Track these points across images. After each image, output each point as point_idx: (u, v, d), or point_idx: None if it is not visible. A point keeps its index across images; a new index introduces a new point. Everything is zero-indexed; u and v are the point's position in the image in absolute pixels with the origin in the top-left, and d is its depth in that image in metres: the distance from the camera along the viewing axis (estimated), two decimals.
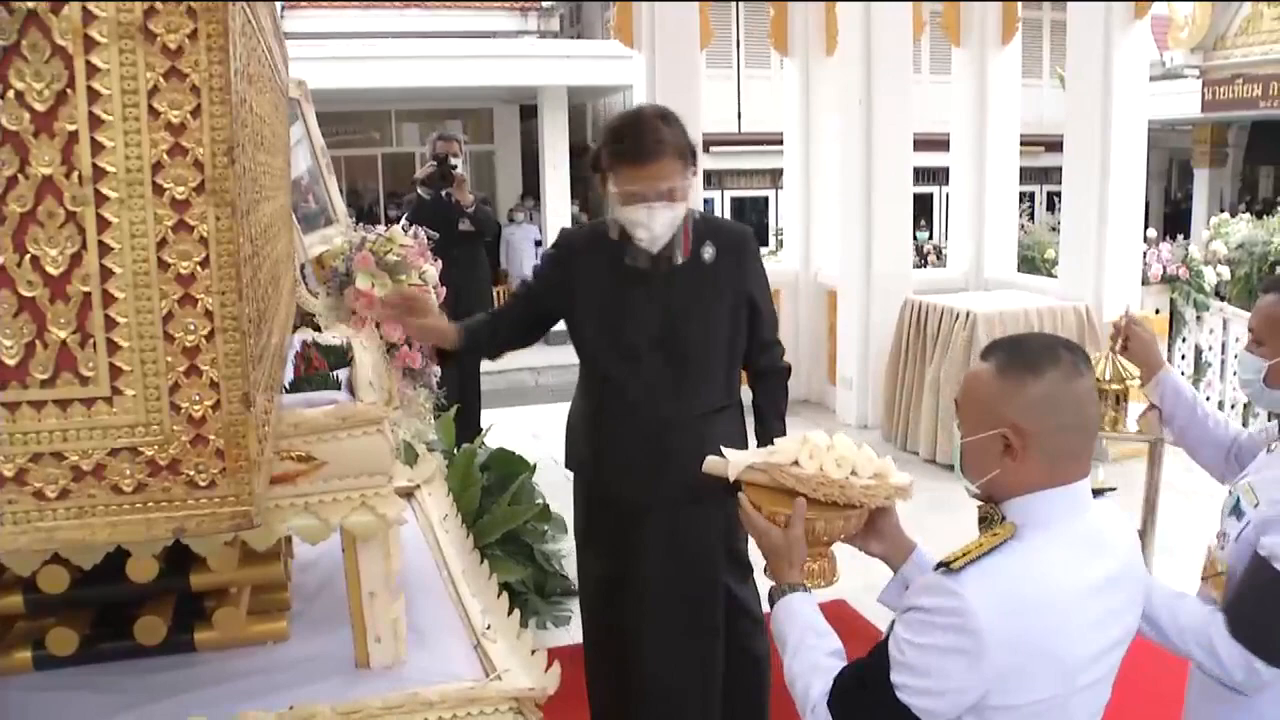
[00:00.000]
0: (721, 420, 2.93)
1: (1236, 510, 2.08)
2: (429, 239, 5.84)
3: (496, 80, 16.54)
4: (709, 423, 2.88)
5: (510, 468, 5.00)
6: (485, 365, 6.76)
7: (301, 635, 2.22)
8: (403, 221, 5.99)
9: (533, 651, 2.11)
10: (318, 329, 3.12)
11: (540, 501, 4.99)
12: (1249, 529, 2.01)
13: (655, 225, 2.73)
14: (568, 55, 17.18)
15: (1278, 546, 1.92)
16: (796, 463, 1.98)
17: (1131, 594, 1.74)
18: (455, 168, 6.18)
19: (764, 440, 2.94)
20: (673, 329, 2.83)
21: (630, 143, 2.73)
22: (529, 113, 18.67)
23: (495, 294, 7.52)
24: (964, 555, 1.61)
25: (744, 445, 2.73)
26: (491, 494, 4.69)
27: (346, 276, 3.47)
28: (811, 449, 1.98)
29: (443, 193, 6.15)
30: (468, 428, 5.75)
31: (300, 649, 2.17)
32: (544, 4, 19.36)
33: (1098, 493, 1.77)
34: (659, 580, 2.91)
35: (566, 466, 3.10)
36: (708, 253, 2.84)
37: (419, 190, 6.20)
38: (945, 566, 1.61)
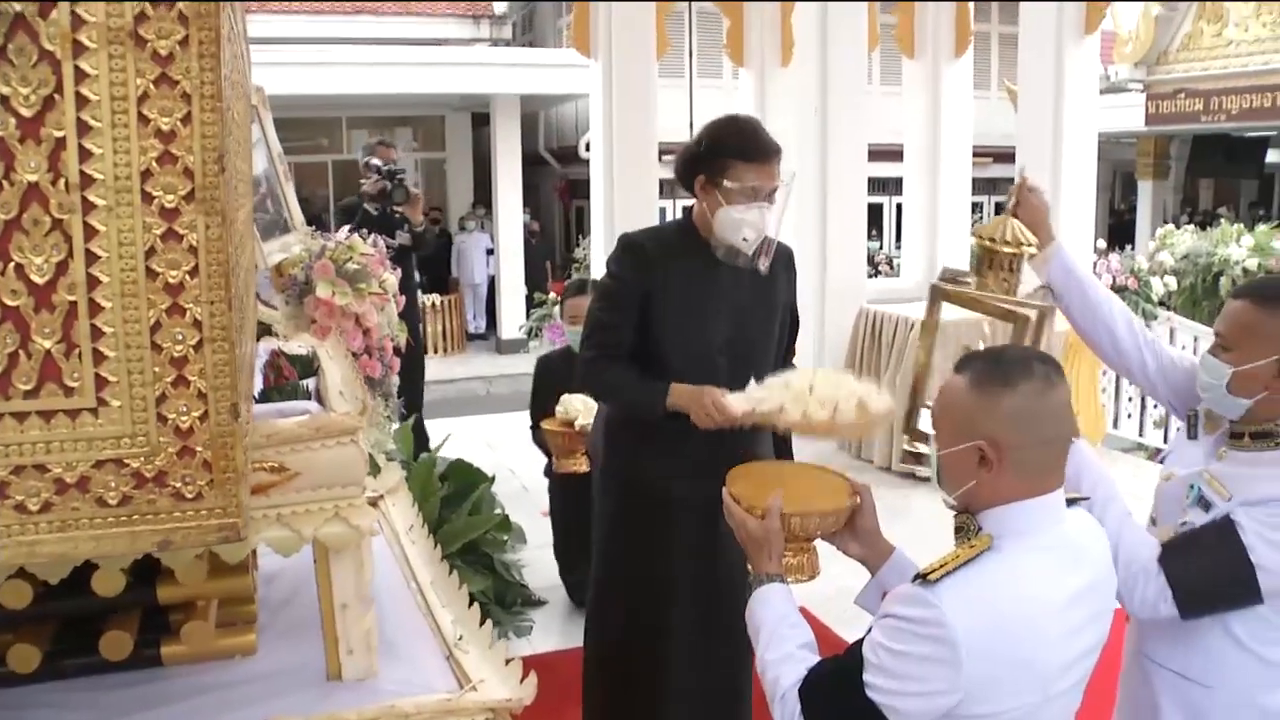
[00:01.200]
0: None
1: (1202, 502, 2.10)
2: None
3: (449, 87, 16.46)
4: (757, 426, 2.95)
5: (469, 478, 4.98)
6: (432, 375, 6.72)
7: (269, 648, 2.19)
8: (344, 231, 5.94)
9: (507, 661, 2.10)
10: (272, 335, 3.09)
11: (499, 512, 4.98)
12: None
13: (764, 224, 2.79)
14: (521, 63, 17.14)
15: (1256, 524, 1.97)
16: (783, 409, 2.07)
17: (1105, 601, 1.78)
18: (403, 180, 6.09)
19: (780, 444, 3.07)
20: (738, 333, 2.90)
21: (753, 141, 2.79)
22: (481, 120, 18.59)
23: (422, 304, 7.50)
24: (941, 567, 1.63)
25: (771, 448, 3.00)
26: (451, 504, 4.67)
27: (306, 285, 3.44)
28: (795, 394, 2.06)
29: (388, 209, 6.05)
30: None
31: (269, 662, 2.14)
32: (496, 4, 19.30)
33: (1071, 502, 1.80)
34: (701, 580, 2.95)
35: (604, 466, 3.07)
36: (764, 263, 2.89)
37: (366, 205, 6.07)
38: (923, 578, 1.63)
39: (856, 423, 2.20)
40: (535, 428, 4.62)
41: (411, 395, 6.31)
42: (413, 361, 6.31)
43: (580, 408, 4.18)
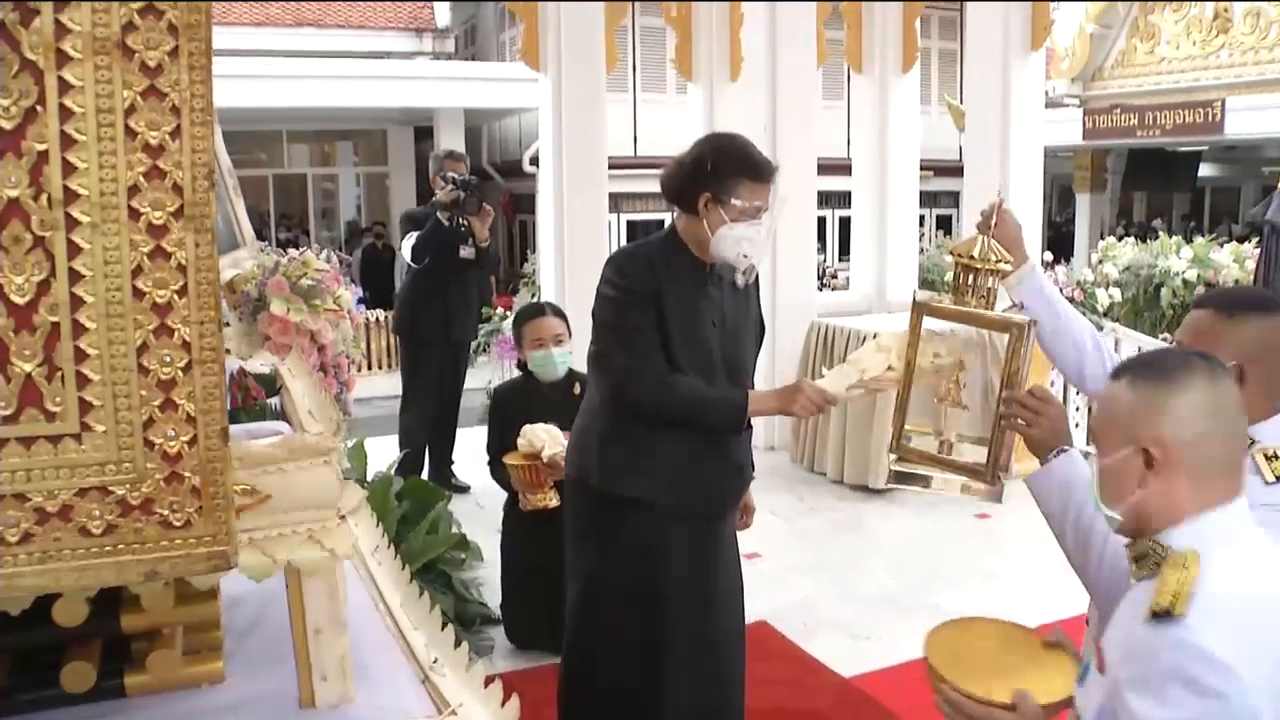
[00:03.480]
0: (749, 436, 3.12)
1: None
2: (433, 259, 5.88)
3: (391, 101, 16.38)
4: (747, 437, 3.09)
5: (425, 496, 4.92)
6: (378, 390, 6.66)
7: (238, 676, 2.13)
8: (414, 237, 5.96)
9: (487, 683, 2.06)
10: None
11: (457, 531, 4.92)
12: None
13: (762, 241, 2.83)
14: (464, 77, 17.09)
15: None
16: (891, 367, 2.58)
17: None
18: (476, 191, 6.05)
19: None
20: (731, 346, 2.95)
21: (761, 161, 2.84)
22: (424, 134, 18.51)
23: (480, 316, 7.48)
24: (1175, 597, 1.47)
25: (752, 466, 3.14)
26: (408, 523, 4.60)
27: (259, 301, 3.37)
28: (898, 351, 2.54)
29: (458, 220, 6.02)
30: None
31: (238, 690, 2.08)
32: (439, 17, 19.23)
33: None
34: (695, 593, 2.97)
35: (600, 480, 2.98)
36: (745, 278, 2.95)
37: (439, 214, 6.00)
38: (1163, 615, 1.47)
39: (958, 359, 2.47)
40: (494, 463, 4.35)
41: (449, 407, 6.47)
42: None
43: (545, 437, 4.00)
